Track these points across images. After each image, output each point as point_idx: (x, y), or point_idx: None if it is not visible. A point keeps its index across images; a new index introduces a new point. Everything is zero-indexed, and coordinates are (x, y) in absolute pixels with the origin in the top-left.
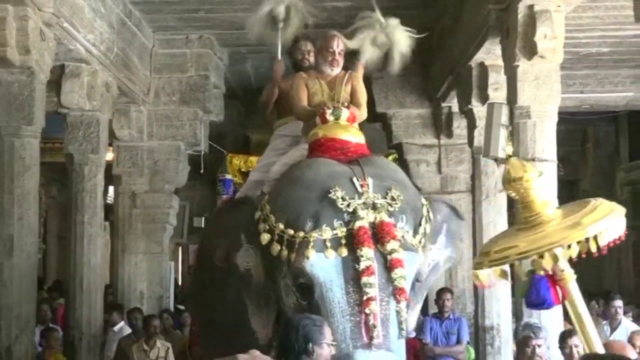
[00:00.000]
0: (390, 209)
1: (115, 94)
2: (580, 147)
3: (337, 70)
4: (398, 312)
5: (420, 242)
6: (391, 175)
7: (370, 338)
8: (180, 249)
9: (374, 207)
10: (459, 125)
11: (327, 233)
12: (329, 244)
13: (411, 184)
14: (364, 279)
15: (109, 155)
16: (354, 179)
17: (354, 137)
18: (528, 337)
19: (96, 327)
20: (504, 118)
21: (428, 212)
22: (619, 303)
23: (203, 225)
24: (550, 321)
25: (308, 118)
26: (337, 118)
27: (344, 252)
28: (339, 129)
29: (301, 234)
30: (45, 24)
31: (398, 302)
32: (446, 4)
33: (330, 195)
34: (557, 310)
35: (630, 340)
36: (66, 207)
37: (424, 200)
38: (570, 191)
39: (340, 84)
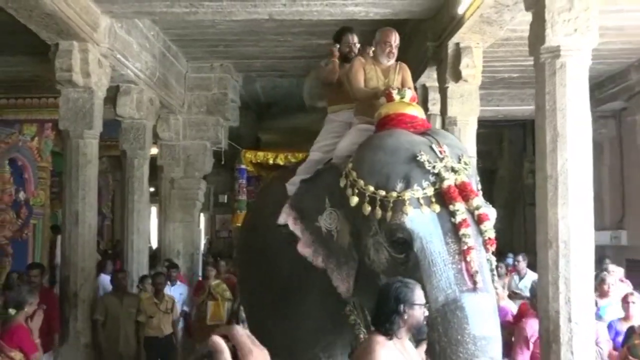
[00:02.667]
0: (466, 172)
1: (157, 107)
2: (498, 145)
3: (392, 61)
4: (489, 260)
5: None
6: (458, 145)
7: (474, 283)
8: (206, 218)
9: (453, 170)
10: None
11: (418, 192)
12: (422, 202)
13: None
14: (463, 230)
15: (154, 151)
16: (433, 146)
17: (419, 113)
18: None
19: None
20: (438, 125)
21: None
22: (522, 258)
23: (226, 201)
24: None
25: (366, 98)
26: (402, 97)
27: (437, 208)
28: (406, 106)
29: (394, 194)
30: (102, 56)
31: (488, 251)
32: None
33: (418, 159)
34: None
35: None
36: None
37: None
38: (491, 177)
39: (394, 72)
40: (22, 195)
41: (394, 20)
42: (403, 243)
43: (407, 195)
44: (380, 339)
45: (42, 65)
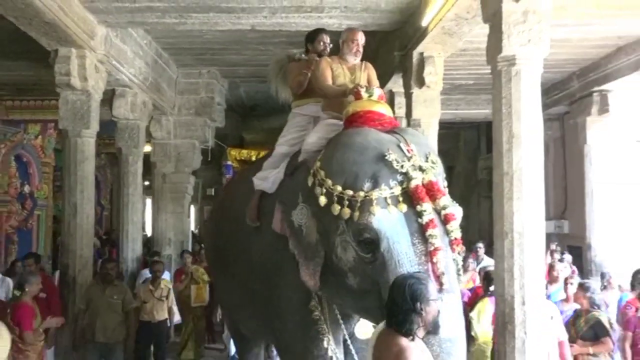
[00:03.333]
0: (434, 171)
1: (150, 109)
2: (455, 144)
3: (358, 59)
4: (455, 260)
5: None
6: (426, 143)
7: (440, 284)
8: (196, 209)
9: (421, 169)
10: None
11: (385, 192)
12: (389, 201)
13: None
14: (429, 231)
15: (148, 149)
16: (401, 145)
17: (387, 111)
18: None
19: (136, 263)
20: (404, 127)
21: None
22: (480, 245)
23: (214, 194)
24: None
25: (335, 96)
26: (370, 95)
27: (404, 208)
28: (374, 103)
29: (361, 193)
30: (99, 61)
31: (454, 251)
32: (365, 51)
33: (386, 158)
34: None
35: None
36: None
37: None
38: (449, 173)
39: (359, 70)
40: (27, 188)
41: (365, 32)
42: (370, 243)
43: (375, 195)
44: (405, 343)
45: (44, 70)
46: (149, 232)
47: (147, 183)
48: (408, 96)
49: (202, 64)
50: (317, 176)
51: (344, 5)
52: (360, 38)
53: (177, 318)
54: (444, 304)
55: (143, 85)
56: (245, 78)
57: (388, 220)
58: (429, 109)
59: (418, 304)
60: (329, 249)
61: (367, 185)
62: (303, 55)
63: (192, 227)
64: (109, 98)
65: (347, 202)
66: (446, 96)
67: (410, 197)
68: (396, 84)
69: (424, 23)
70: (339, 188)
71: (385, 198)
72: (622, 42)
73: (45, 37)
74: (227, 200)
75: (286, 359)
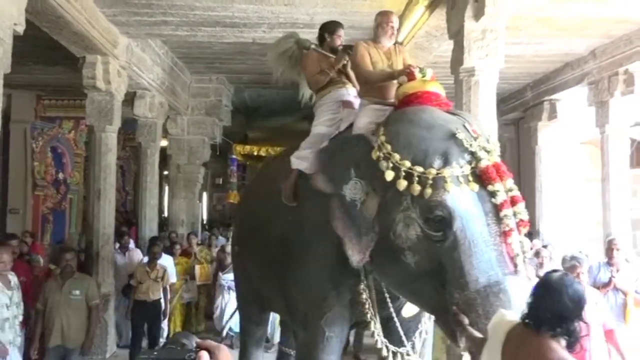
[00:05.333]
0: (496, 153)
1: (166, 109)
2: None
3: (392, 42)
4: (521, 242)
5: None
6: (483, 127)
7: (515, 265)
8: (205, 196)
9: (486, 150)
10: None
11: (457, 170)
12: (461, 180)
13: None
14: (504, 211)
15: (165, 143)
16: (466, 125)
17: (442, 91)
18: (574, 265)
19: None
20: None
21: None
22: None
23: (221, 183)
24: None
25: (381, 80)
26: (423, 76)
27: (475, 187)
28: (430, 84)
29: (432, 170)
30: (121, 67)
31: (520, 232)
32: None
33: (456, 136)
34: None
35: None
36: None
37: None
38: None
39: (395, 54)
40: (61, 175)
41: (350, 46)
42: (440, 221)
43: (447, 172)
44: (565, 354)
45: (75, 74)
46: (166, 214)
47: (166, 173)
48: None
49: (212, 71)
50: (382, 150)
51: None
52: (395, 21)
53: (191, 295)
54: (519, 287)
55: (160, 89)
56: (248, 84)
57: (461, 199)
58: None
59: (583, 312)
60: (385, 226)
61: (437, 162)
62: (313, 46)
63: (204, 211)
64: (130, 99)
65: (417, 179)
66: None
67: (479, 177)
68: None
69: (399, 39)
70: (407, 164)
71: (457, 177)
72: (568, 58)
73: (75, 46)
74: (261, 176)
75: (299, 332)
